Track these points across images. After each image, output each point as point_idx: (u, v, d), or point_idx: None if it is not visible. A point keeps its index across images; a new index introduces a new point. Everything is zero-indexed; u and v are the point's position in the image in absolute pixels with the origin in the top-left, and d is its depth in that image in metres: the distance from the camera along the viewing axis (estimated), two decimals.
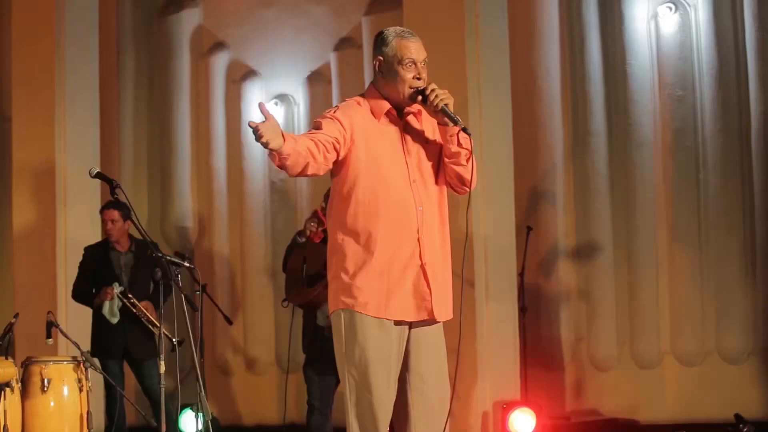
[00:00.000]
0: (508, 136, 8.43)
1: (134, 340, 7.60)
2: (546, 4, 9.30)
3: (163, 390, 5.92)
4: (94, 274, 7.67)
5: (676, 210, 8.86)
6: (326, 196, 6.83)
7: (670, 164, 8.88)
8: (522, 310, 8.65)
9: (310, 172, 4.20)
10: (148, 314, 7.44)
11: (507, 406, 7.99)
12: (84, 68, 8.68)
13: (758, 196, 8.55)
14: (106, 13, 9.57)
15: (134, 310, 7.46)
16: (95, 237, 8.48)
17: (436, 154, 4.45)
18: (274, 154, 4.05)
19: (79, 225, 8.50)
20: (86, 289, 7.69)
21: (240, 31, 10.28)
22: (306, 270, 6.90)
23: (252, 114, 10.22)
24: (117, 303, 7.47)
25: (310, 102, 10.04)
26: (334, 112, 4.34)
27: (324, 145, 4.20)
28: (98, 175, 5.75)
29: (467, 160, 4.42)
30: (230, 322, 7.91)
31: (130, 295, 7.47)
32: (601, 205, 9.09)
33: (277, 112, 10.17)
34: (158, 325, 7.01)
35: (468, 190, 4.46)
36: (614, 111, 9.12)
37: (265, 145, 3.99)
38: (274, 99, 10.18)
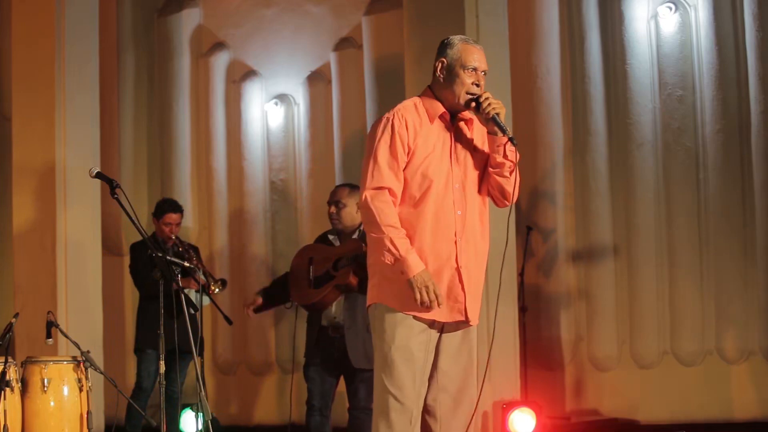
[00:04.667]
0: None
1: (186, 332, 7.55)
2: (546, 3, 9.30)
3: (162, 389, 5.93)
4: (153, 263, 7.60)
5: (676, 210, 8.85)
6: (333, 202, 6.80)
7: (670, 164, 8.88)
8: (522, 310, 8.65)
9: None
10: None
11: (507, 406, 7.99)
12: (84, 68, 8.66)
13: (758, 195, 8.55)
14: (106, 13, 9.56)
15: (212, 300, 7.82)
16: (95, 237, 8.48)
17: (483, 164, 4.56)
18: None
19: (79, 225, 8.48)
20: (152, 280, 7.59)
21: (240, 31, 10.28)
22: (312, 271, 6.84)
23: (252, 114, 10.21)
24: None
25: (310, 102, 10.03)
26: (391, 131, 4.39)
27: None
28: (98, 175, 5.76)
29: (510, 173, 4.55)
30: (230, 322, 7.89)
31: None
32: (601, 205, 9.09)
33: (277, 112, 10.17)
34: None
35: (508, 203, 4.60)
36: (614, 111, 9.11)
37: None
38: (274, 99, 10.18)
